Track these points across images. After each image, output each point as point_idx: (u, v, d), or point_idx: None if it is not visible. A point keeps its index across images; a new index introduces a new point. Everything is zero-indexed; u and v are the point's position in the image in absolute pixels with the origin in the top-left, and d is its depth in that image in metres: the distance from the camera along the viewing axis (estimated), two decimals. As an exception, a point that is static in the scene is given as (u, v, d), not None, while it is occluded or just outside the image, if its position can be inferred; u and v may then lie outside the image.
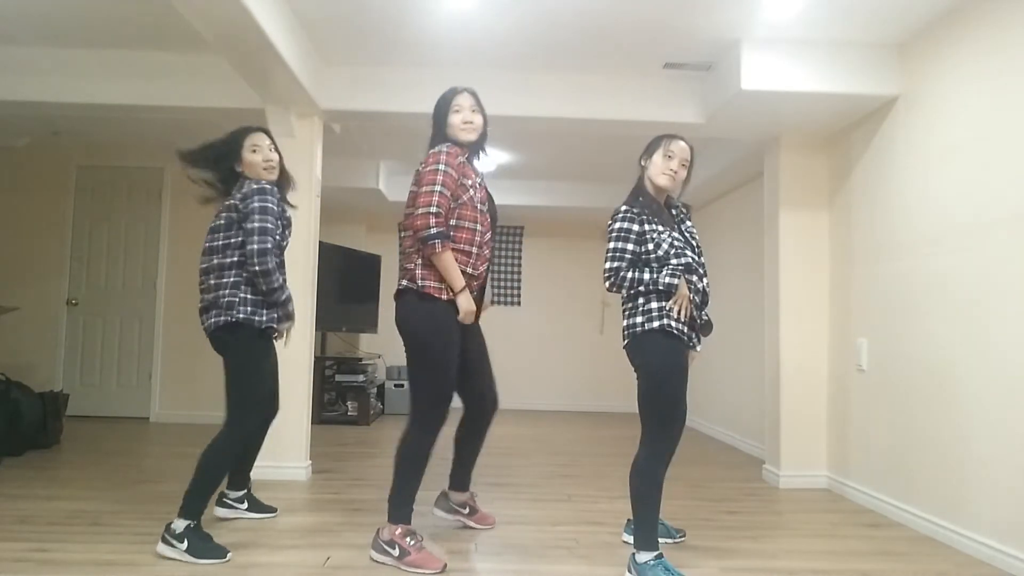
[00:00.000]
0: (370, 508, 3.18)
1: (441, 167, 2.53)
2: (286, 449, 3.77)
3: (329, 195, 4.65)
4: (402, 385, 6.68)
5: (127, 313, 5.80)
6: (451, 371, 2.56)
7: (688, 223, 2.70)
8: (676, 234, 2.54)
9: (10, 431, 4.10)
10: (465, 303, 2.53)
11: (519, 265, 7.70)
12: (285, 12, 3.18)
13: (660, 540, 2.44)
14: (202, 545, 2.46)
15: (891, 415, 3.37)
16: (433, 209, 2.48)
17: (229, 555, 2.48)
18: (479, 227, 2.61)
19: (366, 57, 3.80)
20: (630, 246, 2.47)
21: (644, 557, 2.31)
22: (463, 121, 2.65)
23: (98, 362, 5.78)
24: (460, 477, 2.93)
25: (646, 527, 2.33)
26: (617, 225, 2.50)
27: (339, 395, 6.15)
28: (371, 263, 6.93)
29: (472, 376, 2.77)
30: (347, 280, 6.36)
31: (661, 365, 2.40)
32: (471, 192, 2.62)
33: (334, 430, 5.58)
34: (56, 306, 5.74)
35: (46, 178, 5.82)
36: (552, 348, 7.56)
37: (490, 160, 5.87)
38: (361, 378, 6.13)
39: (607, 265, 2.48)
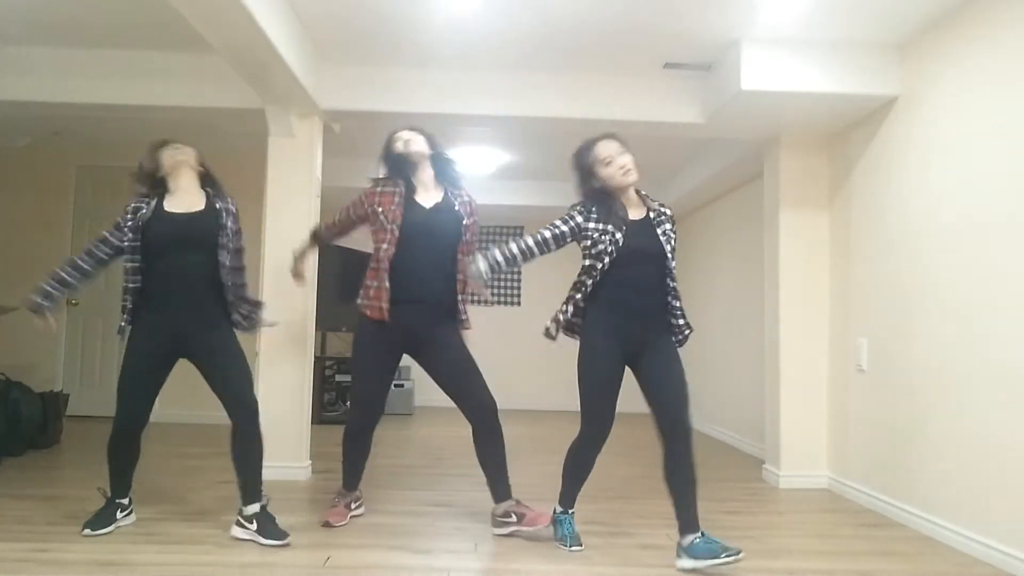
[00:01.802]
0: (370, 508, 3.18)
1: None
2: (286, 449, 3.78)
3: (329, 195, 4.64)
4: (401, 385, 6.67)
5: (127, 313, 5.80)
6: (360, 379, 2.94)
7: (665, 227, 2.67)
8: (620, 235, 2.57)
9: (10, 431, 4.10)
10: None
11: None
12: (285, 12, 3.18)
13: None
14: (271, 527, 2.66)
15: (891, 415, 3.37)
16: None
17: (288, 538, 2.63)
18: (384, 245, 2.87)
19: (366, 57, 3.80)
20: (564, 228, 2.64)
21: (559, 509, 2.82)
22: (403, 143, 2.99)
23: (98, 362, 5.78)
24: (492, 489, 2.95)
25: (565, 490, 2.83)
26: (568, 212, 2.68)
27: (339, 395, 6.15)
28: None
29: (453, 390, 2.90)
30: (347, 280, 6.33)
31: (578, 364, 2.68)
32: (380, 213, 2.90)
33: (334, 430, 5.55)
34: (56, 306, 5.73)
35: (46, 178, 5.82)
36: (552, 348, 7.53)
37: (490, 160, 5.87)
38: (361, 378, 6.12)
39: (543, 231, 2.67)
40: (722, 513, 3.33)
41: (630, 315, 2.61)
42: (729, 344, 5.64)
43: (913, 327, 3.22)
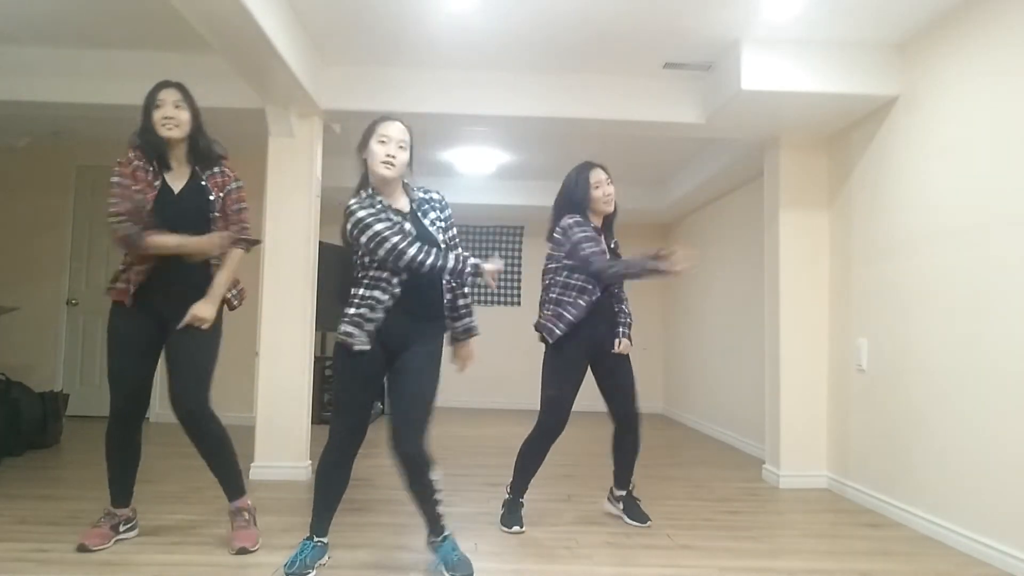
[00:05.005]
0: (370, 508, 3.18)
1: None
2: (286, 449, 3.77)
3: (329, 195, 4.65)
4: (402, 385, 6.66)
5: (127, 313, 5.80)
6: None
7: (436, 213, 2.57)
8: (410, 226, 2.47)
9: (10, 431, 4.10)
10: None
11: (519, 265, 7.70)
12: (285, 12, 3.18)
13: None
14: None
15: (891, 415, 3.37)
16: None
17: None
18: None
19: (366, 57, 3.80)
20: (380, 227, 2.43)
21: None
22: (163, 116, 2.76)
23: (98, 362, 5.77)
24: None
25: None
26: (360, 214, 2.45)
27: (339, 395, 6.15)
28: (371, 263, 6.92)
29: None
30: (347, 280, 6.35)
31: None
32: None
33: (334, 430, 5.56)
34: (56, 306, 5.73)
35: (46, 178, 5.82)
36: (552, 348, 7.54)
37: (490, 160, 5.87)
38: (361, 378, 6.12)
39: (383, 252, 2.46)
40: (722, 513, 3.33)
41: None
42: (729, 344, 5.64)
43: (913, 327, 3.22)
